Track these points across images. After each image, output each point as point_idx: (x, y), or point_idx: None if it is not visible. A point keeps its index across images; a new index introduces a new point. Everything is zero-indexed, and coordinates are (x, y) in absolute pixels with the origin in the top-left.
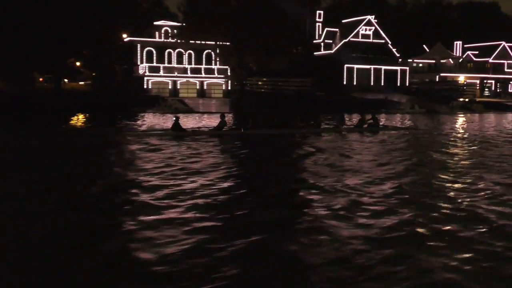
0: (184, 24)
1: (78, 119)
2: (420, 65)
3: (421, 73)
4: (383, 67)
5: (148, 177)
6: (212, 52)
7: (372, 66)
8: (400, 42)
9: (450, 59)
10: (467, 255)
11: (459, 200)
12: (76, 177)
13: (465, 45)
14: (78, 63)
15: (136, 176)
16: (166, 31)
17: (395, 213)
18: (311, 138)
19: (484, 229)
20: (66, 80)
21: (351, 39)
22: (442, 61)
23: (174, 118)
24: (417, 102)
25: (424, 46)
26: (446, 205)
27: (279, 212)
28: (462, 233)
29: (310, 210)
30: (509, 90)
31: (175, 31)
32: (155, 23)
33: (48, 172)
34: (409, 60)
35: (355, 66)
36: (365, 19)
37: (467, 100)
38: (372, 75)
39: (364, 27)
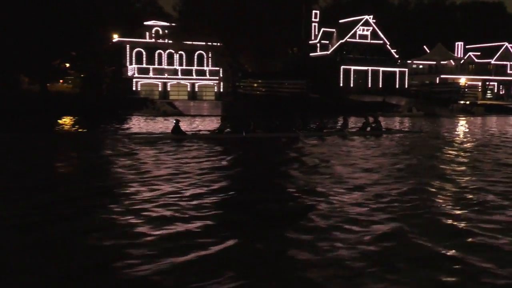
0: (174, 24)
1: (65, 123)
2: (421, 66)
3: (421, 75)
4: (381, 69)
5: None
6: (204, 53)
7: (370, 68)
8: (401, 43)
9: (451, 61)
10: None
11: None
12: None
13: (467, 46)
14: (67, 65)
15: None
16: (157, 31)
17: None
18: (314, 141)
19: (465, 245)
20: (51, 82)
21: (348, 39)
22: (443, 62)
23: (174, 121)
24: (416, 104)
25: (424, 47)
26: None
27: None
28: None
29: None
30: None
31: (166, 31)
32: (146, 23)
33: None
34: (408, 62)
35: (352, 68)
36: (362, 19)
37: (467, 102)
38: (369, 77)
39: (361, 27)
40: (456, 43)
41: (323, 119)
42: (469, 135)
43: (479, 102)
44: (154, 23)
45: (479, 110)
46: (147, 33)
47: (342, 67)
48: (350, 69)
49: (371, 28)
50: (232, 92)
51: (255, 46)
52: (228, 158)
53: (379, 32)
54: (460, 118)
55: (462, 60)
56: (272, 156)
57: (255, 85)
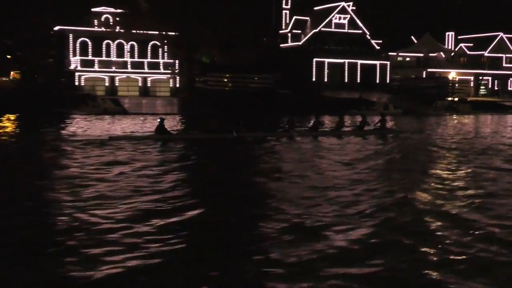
0: (124, 10)
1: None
2: (408, 59)
3: (408, 68)
4: (360, 61)
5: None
6: (159, 44)
7: (347, 60)
8: (388, 33)
9: (442, 53)
10: None
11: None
12: None
13: (460, 37)
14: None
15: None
16: (106, 19)
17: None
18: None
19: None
20: None
21: (322, 29)
22: (432, 54)
23: (159, 120)
24: (395, 101)
25: (412, 37)
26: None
27: None
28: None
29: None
30: (509, 88)
31: (117, 19)
32: (94, 9)
33: None
34: (393, 54)
35: (326, 60)
36: (338, 6)
37: (456, 99)
38: (346, 71)
39: (337, 15)
40: (447, 33)
41: (292, 118)
42: (437, 136)
43: (469, 98)
44: (104, 10)
45: (465, 108)
46: (96, 21)
47: (314, 59)
48: (324, 61)
49: (348, 16)
50: (188, 87)
51: (217, 35)
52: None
53: (358, 21)
54: (441, 117)
55: (453, 52)
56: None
57: (225, 80)
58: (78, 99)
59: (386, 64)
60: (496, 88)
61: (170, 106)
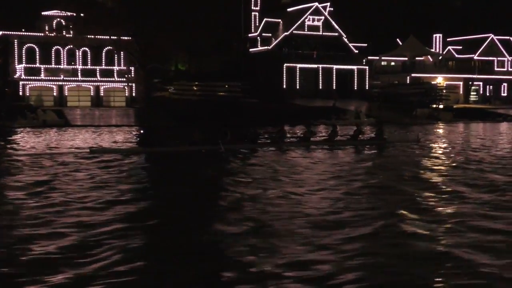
0: (75, 14)
1: None
2: (393, 63)
3: (390, 74)
4: (335, 66)
5: None
6: (114, 50)
7: (321, 66)
8: (374, 36)
9: (429, 56)
10: None
11: None
12: None
13: (449, 39)
14: None
15: None
16: (58, 23)
17: None
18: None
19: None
20: None
21: (294, 31)
22: (418, 58)
23: (141, 131)
24: (372, 109)
25: (398, 40)
26: None
27: None
28: None
29: None
30: (503, 94)
31: (70, 24)
32: (44, 13)
33: None
34: (375, 58)
35: (298, 66)
36: (311, 6)
37: (441, 106)
38: (320, 77)
39: (310, 17)
40: (434, 35)
41: (256, 129)
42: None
43: (458, 105)
44: (56, 14)
45: (446, 116)
46: (47, 26)
47: (285, 65)
48: (295, 67)
49: (322, 17)
50: (145, 97)
51: (178, 41)
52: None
53: (333, 23)
54: (419, 126)
55: (441, 56)
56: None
57: (193, 88)
58: (16, 110)
59: (365, 69)
60: (488, 94)
61: (122, 117)
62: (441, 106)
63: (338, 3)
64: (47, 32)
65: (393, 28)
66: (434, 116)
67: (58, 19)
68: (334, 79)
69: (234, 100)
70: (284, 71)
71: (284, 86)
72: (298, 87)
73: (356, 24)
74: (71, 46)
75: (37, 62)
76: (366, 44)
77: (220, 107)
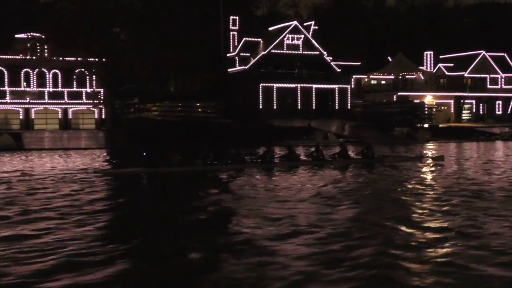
0: (46, 36)
1: None
2: (383, 82)
3: (376, 93)
4: (314, 86)
5: None
6: (86, 72)
7: (299, 85)
8: (369, 55)
9: (421, 74)
10: None
11: None
12: None
13: (441, 56)
14: None
15: None
16: (32, 45)
17: None
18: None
19: None
20: None
21: (272, 50)
22: (410, 76)
23: (144, 153)
24: (343, 129)
25: (389, 58)
26: None
27: None
28: None
29: None
30: (497, 112)
31: (43, 46)
32: (18, 35)
33: None
34: (362, 77)
35: (275, 85)
36: (290, 25)
37: (426, 125)
38: (299, 96)
39: (290, 36)
40: (425, 53)
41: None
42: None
43: (445, 124)
44: (28, 36)
45: (423, 136)
46: (20, 48)
47: (261, 84)
48: (272, 87)
49: (302, 36)
50: (112, 119)
51: (152, 61)
52: None
53: (313, 41)
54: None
55: (432, 74)
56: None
57: (179, 108)
58: None
59: (346, 88)
60: (482, 112)
61: (83, 140)
62: (426, 125)
63: (330, 22)
64: (21, 55)
65: (386, 46)
66: (411, 135)
67: (31, 42)
68: (314, 98)
69: (205, 120)
70: (260, 90)
71: (261, 106)
72: (275, 107)
73: (347, 43)
74: (42, 68)
75: (6, 85)
76: (359, 63)
77: (190, 128)
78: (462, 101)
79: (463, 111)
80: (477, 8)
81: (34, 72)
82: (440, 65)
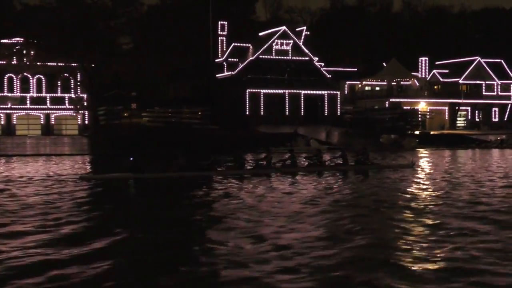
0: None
1: None
2: (377, 88)
3: (373, 99)
4: (303, 92)
5: None
6: (71, 77)
7: (287, 91)
8: (367, 60)
9: (415, 80)
10: None
11: None
12: None
13: (437, 63)
14: None
15: None
16: (17, 51)
17: None
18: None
19: None
20: None
21: (260, 56)
22: (404, 83)
23: (131, 159)
24: (344, 136)
25: (384, 64)
26: None
27: None
28: None
29: None
30: (494, 119)
31: (29, 51)
32: (3, 41)
33: None
34: (355, 83)
35: (262, 91)
36: (279, 30)
37: (416, 132)
38: (287, 102)
39: (278, 41)
40: (420, 59)
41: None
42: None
43: (439, 132)
44: (15, 41)
45: (410, 143)
46: (6, 54)
47: (248, 90)
48: (259, 92)
49: (291, 41)
50: (92, 125)
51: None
52: None
53: (302, 47)
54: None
55: (426, 80)
56: None
57: (169, 114)
58: None
59: (336, 94)
60: (477, 119)
61: (68, 146)
62: (417, 132)
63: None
64: (5, 60)
65: (382, 51)
66: (398, 142)
67: (17, 47)
68: (302, 104)
69: (188, 126)
70: (247, 96)
71: (247, 112)
72: (262, 113)
73: (345, 49)
74: (25, 73)
75: None
76: (355, 69)
77: (173, 134)
78: (457, 107)
79: (458, 118)
80: (481, 14)
81: (18, 77)
82: (434, 71)
